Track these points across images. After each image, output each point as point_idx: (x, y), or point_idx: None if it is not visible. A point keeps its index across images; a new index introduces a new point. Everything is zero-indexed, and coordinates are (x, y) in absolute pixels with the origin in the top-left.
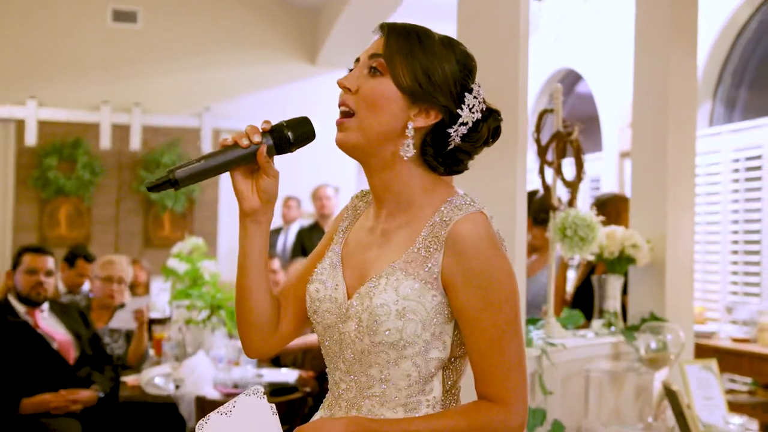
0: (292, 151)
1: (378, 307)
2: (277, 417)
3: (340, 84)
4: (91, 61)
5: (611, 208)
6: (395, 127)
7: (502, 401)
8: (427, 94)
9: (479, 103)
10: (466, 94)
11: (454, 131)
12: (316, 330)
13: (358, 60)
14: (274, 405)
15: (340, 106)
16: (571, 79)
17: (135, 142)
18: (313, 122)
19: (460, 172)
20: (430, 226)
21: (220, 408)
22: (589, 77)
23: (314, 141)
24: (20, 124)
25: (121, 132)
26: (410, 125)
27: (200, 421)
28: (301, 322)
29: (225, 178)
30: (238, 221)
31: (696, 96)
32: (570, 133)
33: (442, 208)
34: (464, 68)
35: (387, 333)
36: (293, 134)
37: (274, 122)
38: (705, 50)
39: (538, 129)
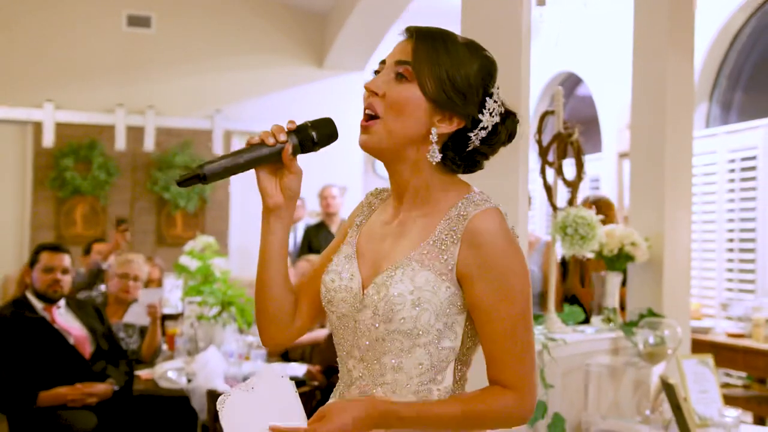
0: (315, 150)
1: (394, 297)
2: (297, 394)
3: (367, 88)
4: (106, 65)
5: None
6: (420, 132)
7: (515, 387)
8: (452, 103)
9: (498, 106)
10: (487, 99)
11: (474, 135)
12: (330, 320)
13: (383, 62)
14: (293, 383)
15: (366, 109)
16: (571, 82)
17: (149, 144)
18: (336, 123)
19: (475, 170)
20: (447, 220)
21: (241, 384)
22: (589, 80)
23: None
24: (38, 126)
25: (135, 133)
26: (434, 131)
27: (221, 396)
28: (315, 315)
29: (236, 180)
30: (261, 216)
31: (693, 98)
32: (570, 135)
33: (459, 204)
34: (486, 73)
35: (402, 321)
36: (317, 134)
37: (298, 122)
38: (701, 54)
39: (540, 130)
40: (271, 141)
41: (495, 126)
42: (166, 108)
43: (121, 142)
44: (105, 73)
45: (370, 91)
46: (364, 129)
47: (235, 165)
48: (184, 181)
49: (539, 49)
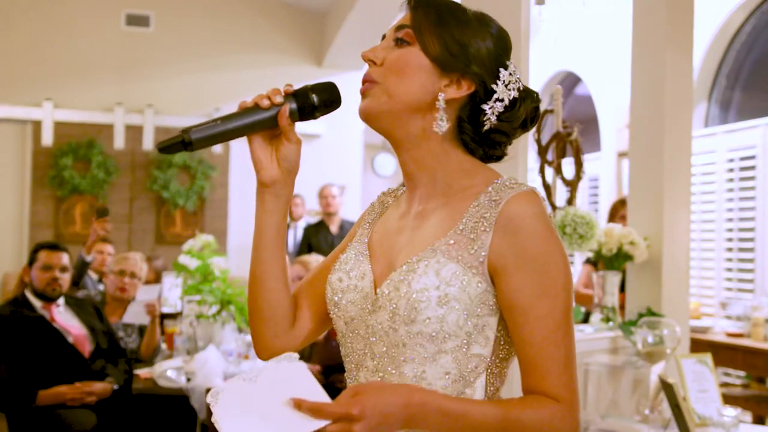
0: (315, 117)
1: (417, 293)
2: (314, 379)
3: (364, 57)
4: (105, 64)
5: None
6: (424, 99)
7: (559, 398)
8: (458, 62)
9: (516, 81)
10: (501, 69)
11: (490, 108)
12: (337, 327)
13: (384, 37)
14: (306, 366)
15: (364, 81)
16: (570, 81)
17: (147, 142)
18: (339, 89)
19: (498, 158)
20: (476, 206)
21: (240, 375)
22: (588, 79)
23: (322, 139)
24: (37, 125)
25: (134, 132)
26: (441, 96)
27: (213, 390)
28: (319, 323)
29: (234, 179)
30: (255, 195)
31: (691, 97)
32: (569, 134)
33: (490, 189)
34: (499, 44)
35: (426, 322)
36: (318, 98)
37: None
38: (700, 53)
39: (539, 129)
40: (265, 103)
41: (513, 101)
42: (165, 107)
43: (119, 141)
44: (104, 72)
45: (368, 60)
46: (362, 94)
47: (224, 131)
48: (166, 147)
49: (538, 48)
